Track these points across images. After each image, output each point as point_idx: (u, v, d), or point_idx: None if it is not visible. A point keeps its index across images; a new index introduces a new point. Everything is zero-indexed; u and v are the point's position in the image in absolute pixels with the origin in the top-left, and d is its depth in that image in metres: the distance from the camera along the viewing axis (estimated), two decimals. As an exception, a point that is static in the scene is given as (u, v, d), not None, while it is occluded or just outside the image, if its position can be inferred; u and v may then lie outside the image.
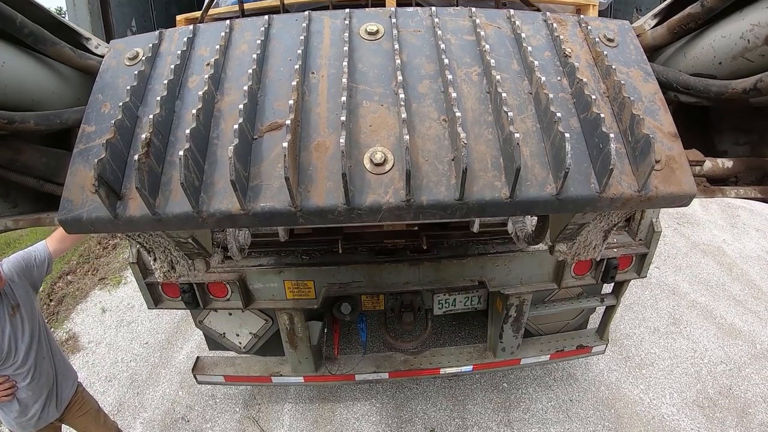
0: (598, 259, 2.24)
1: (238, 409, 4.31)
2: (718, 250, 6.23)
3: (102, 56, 1.45)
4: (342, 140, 0.99)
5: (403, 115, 1.07)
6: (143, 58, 1.33)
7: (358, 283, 3.01)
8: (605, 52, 1.26)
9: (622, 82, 1.18)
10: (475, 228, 2.27)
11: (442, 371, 3.76)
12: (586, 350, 3.88)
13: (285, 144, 0.98)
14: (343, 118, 1.04)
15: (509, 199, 1.05)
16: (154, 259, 1.99)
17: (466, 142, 0.99)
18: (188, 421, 4.23)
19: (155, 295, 3.07)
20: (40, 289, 3.30)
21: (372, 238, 3.04)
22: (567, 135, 1.00)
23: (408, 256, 3.00)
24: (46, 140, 1.54)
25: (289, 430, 4.10)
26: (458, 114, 1.05)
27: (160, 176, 1.12)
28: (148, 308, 3.14)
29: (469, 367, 3.78)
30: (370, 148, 1.09)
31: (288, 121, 1.03)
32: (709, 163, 1.39)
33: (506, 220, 2.21)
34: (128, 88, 1.22)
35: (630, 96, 1.15)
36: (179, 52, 1.30)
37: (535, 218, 1.97)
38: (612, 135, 1.03)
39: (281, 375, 3.69)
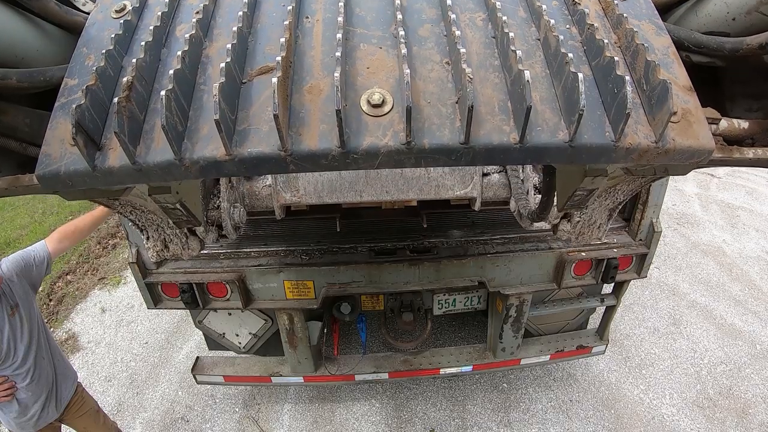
0: (603, 239, 2.16)
1: (237, 409, 4.23)
2: (718, 250, 6.17)
3: (89, 13, 1.39)
4: (337, 75, 0.92)
5: (404, 51, 1.00)
6: (131, 8, 1.26)
7: (358, 283, 2.95)
8: (615, 1, 1.20)
9: (635, 29, 1.11)
10: (477, 206, 2.19)
11: (441, 371, 3.69)
12: (586, 350, 3.83)
13: (274, 80, 0.90)
14: (338, 54, 0.97)
15: (519, 144, 0.98)
16: (147, 238, 1.91)
17: (471, 77, 0.91)
18: (188, 421, 4.14)
19: (155, 295, 3.01)
20: (40, 289, 3.23)
21: (371, 216, 2.97)
22: (580, 75, 0.94)
23: (408, 256, 2.95)
24: (32, 103, 1.47)
25: (288, 430, 4.01)
26: (463, 51, 0.98)
27: (142, 124, 1.04)
28: (148, 308, 3.08)
29: (468, 368, 3.72)
30: (368, 89, 1.02)
31: (279, 59, 0.96)
32: (725, 122, 1.33)
33: (509, 198, 2.14)
34: (113, 36, 1.16)
35: (643, 43, 1.09)
36: (167, 0, 1.23)
37: (539, 195, 1.90)
38: (627, 78, 0.96)
39: (281, 375, 3.62)
